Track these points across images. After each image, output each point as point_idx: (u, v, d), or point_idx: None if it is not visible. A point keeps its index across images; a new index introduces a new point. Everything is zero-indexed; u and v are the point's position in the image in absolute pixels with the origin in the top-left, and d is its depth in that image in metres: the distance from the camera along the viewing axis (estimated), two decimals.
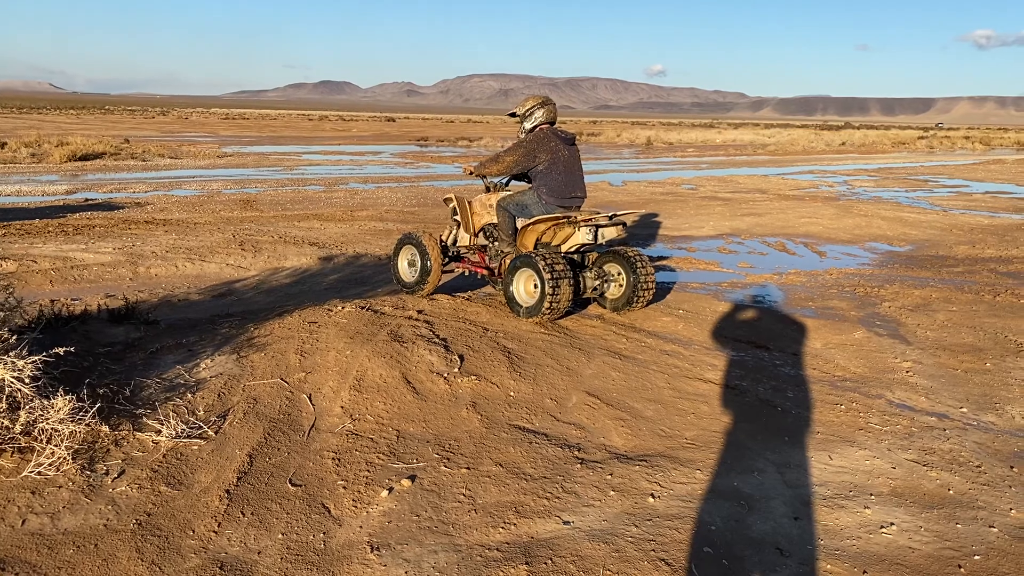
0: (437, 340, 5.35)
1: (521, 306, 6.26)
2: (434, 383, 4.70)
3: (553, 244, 6.58)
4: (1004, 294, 7.94)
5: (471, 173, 6.96)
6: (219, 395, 4.47)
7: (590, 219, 6.40)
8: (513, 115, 6.81)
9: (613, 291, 6.75)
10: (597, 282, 6.68)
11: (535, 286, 6.25)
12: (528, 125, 6.76)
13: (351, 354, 4.98)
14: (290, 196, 16.17)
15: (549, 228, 6.55)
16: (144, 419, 4.07)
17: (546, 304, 5.99)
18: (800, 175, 26.52)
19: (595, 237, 6.43)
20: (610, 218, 6.50)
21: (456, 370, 4.88)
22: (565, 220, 6.45)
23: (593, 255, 6.93)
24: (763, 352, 5.93)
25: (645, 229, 12.60)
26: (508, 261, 6.68)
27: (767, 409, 4.76)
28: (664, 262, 9.75)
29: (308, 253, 9.48)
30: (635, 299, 6.61)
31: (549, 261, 6.08)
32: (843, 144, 55.93)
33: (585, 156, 32.32)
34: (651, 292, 6.69)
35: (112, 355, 4.97)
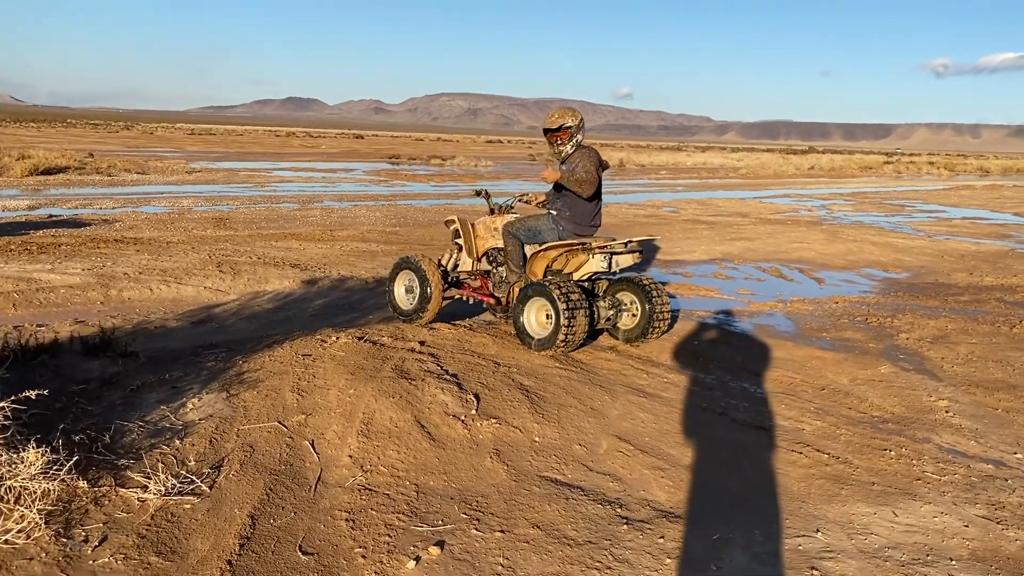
0: (447, 376, 4.90)
1: (533, 338, 5.82)
2: (451, 427, 4.24)
3: (565, 272, 6.17)
4: (1020, 326, 7.67)
5: (549, 180, 6.21)
6: (211, 441, 3.97)
7: (605, 246, 6.00)
8: (555, 129, 6.06)
9: (627, 321, 6.35)
10: (611, 312, 6.27)
11: (547, 317, 5.83)
12: (581, 137, 6.14)
13: (355, 393, 4.51)
14: (264, 214, 15.61)
15: (561, 255, 6.14)
16: (128, 472, 3.56)
17: (561, 336, 5.57)
18: (777, 199, 26.46)
19: (609, 265, 6.04)
20: (625, 245, 6.11)
21: (473, 412, 4.42)
22: (579, 247, 6.04)
23: (603, 283, 6.53)
24: (791, 389, 5.55)
25: None
26: (517, 289, 6.25)
27: (814, 455, 4.36)
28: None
29: (290, 276, 8.96)
30: (650, 330, 6.22)
31: (564, 290, 5.67)
32: (812, 168, 56.40)
33: None
34: (667, 322, 6.31)
35: (88, 394, 4.44)
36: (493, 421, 4.33)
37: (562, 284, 5.75)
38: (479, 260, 6.81)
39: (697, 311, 8.12)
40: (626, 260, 6.10)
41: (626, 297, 6.39)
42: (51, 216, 13.81)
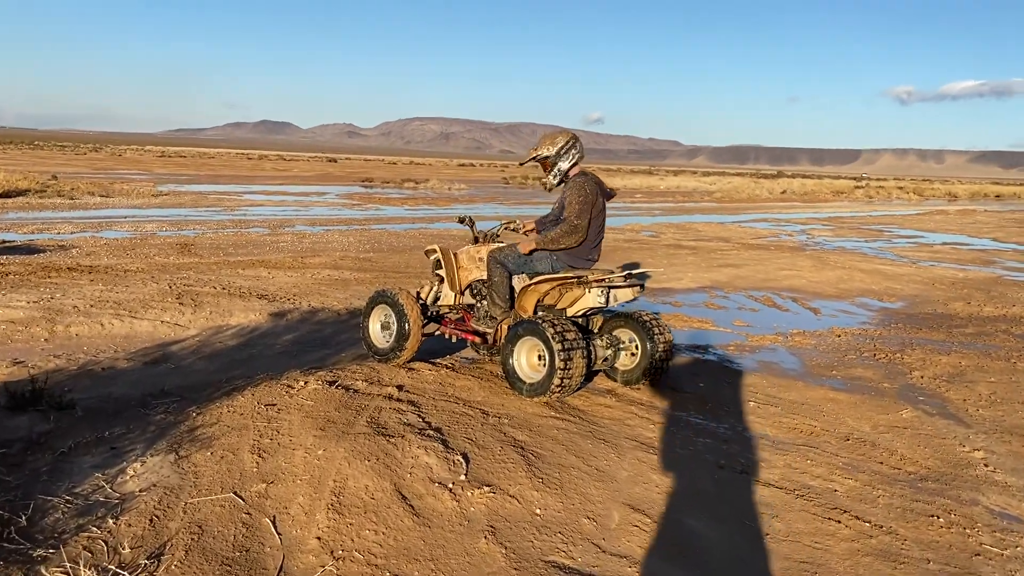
0: (430, 431, 4.29)
1: (524, 382, 5.23)
2: (437, 499, 3.62)
3: (558, 307, 5.61)
4: None
5: (531, 252, 5.77)
6: (152, 520, 3.33)
7: (603, 279, 5.45)
8: (535, 159, 5.73)
9: (625, 361, 5.79)
10: (608, 352, 5.71)
11: (540, 358, 5.25)
12: (565, 165, 5.67)
13: (324, 454, 3.89)
14: (232, 239, 14.92)
15: (554, 288, 5.57)
16: (46, 566, 2.91)
17: (556, 381, 4.99)
18: (756, 223, 26.16)
19: (607, 299, 5.48)
20: (625, 278, 5.56)
21: (463, 477, 3.81)
22: (574, 280, 5.48)
23: (598, 319, 5.97)
24: (812, 439, 5.01)
25: None
26: (505, 327, 5.67)
27: (854, 523, 3.80)
28: None
29: (256, 308, 8.31)
30: (652, 370, 5.66)
31: (559, 329, 5.10)
32: (784, 192, 56.52)
33: (534, 200, 31.67)
34: (669, 362, 5.76)
35: (8, 459, 3.78)
36: (486, 489, 3.72)
37: (556, 321, 5.18)
38: (462, 293, 6.22)
39: (695, 345, 7.58)
40: (625, 295, 5.55)
41: (624, 335, 5.83)
42: (4, 242, 13.03)
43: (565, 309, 5.60)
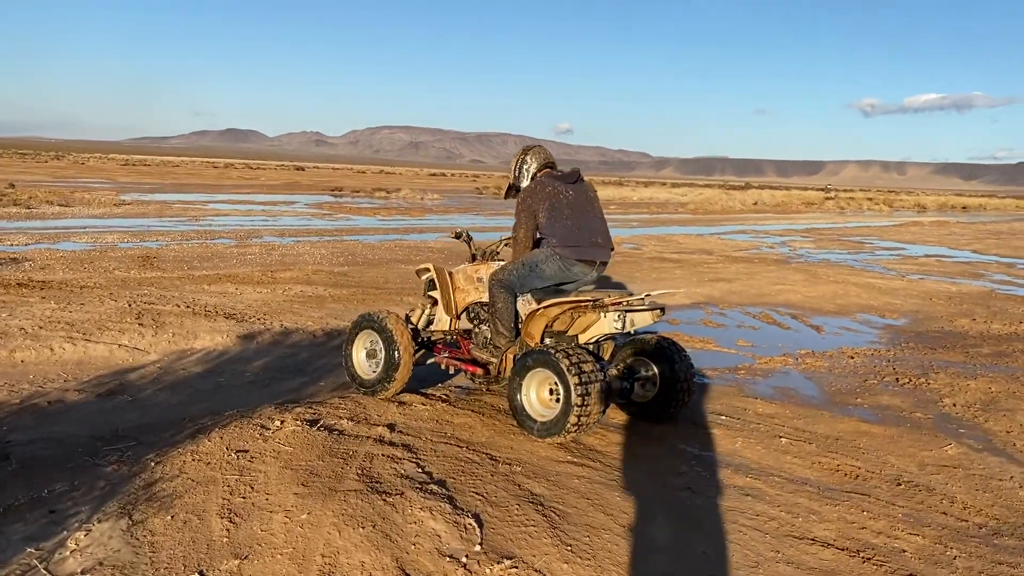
0: (433, 485, 3.66)
1: (535, 421, 4.61)
2: None
3: (568, 333, 5.00)
4: None
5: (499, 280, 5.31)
6: None
7: (621, 302, 4.86)
8: (512, 188, 5.57)
9: (643, 393, 5.20)
10: (625, 383, 5.12)
11: (552, 393, 4.64)
12: (525, 183, 5.36)
13: (309, 520, 3.24)
14: (197, 251, 14.14)
15: (565, 312, 4.97)
16: None
17: (572, 419, 4.38)
18: (734, 235, 25.80)
19: (623, 324, 4.89)
20: (644, 299, 4.98)
21: (477, 547, 3.18)
22: (588, 304, 4.87)
23: (609, 344, 5.37)
24: (861, 484, 4.44)
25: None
26: (511, 357, 5.05)
27: None
28: None
29: (224, 329, 7.60)
30: (673, 402, 5.08)
31: (574, 359, 4.49)
32: (756, 204, 56.52)
33: (510, 211, 30.97)
34: (691, 393, 5.18)
35: None
36: (507, 564, 3.09)
37: (571, 351, 4.58)
38: (458, 317, 5.59)
39: (703, 369, 7.01)
40: (644, 319, 4.95)
41: (640, 363, 5.25)
42: None
43: (577, 336, 5.01)
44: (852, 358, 7.80)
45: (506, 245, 5.63)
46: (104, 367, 6.33)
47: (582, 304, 4.88)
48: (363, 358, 5.55)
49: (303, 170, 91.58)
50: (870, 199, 73.49)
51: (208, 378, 6.15)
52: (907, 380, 6.88)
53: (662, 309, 5.02)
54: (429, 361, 5.61)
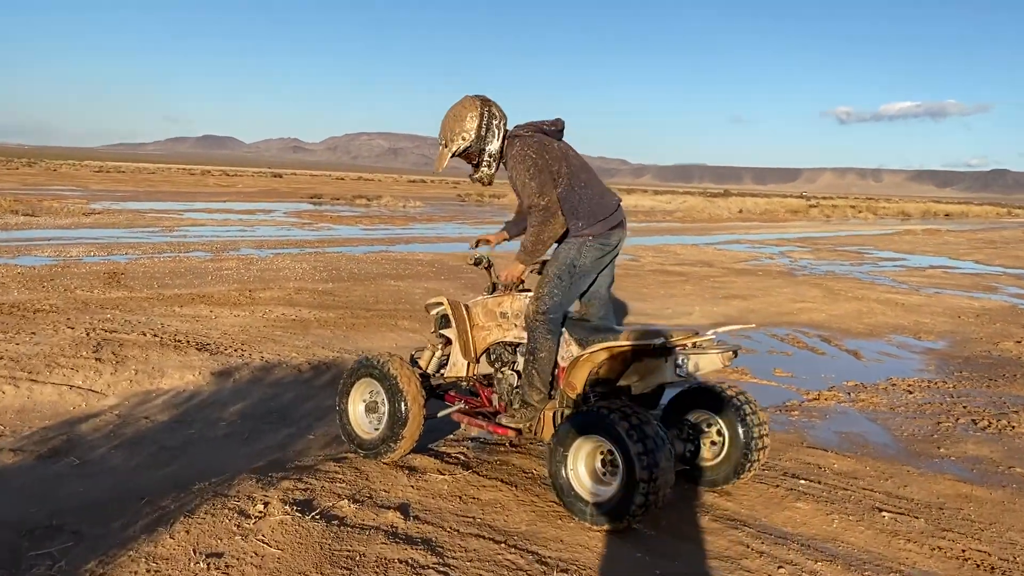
0: None
1: (587, 503, 3.66)
2: None
3: (620, 382, 4.08)
4: None
5: (521, 278, 4.39)
6: None
7: (687, 343, 3.94)
8: (456, 155, 4.30)
9: (709, 454, 4.28)
10: (689, 444, 4.20)
11: (605, 464, 3.70)
12: (494, 146, 4.20)
13: None
14: (169, 267, 13.07)
15: (616, 357, 4.04)
16: None
17: (639, 500, 3.44)
18: (730, 245, 25.02)
19: (687, 369, 3.97)
20: (715, 339, 4.07)
21: None
22: (648, 347, 3.94)
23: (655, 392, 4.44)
24: None
25: (617, 315, 10.21)
26: (550, 416, 4.11)
27: None
28: None
29: (196, 364, 6.59)
30: (746, 466, 4.16)
31: (635, 421, 3.55)
32: (741, 211, 55.90)
33: (496, 219, 30.07)
34: (766, 452, 4.27)
35: None
36: None
37: (628, 410, 3.64)
38: (477, 360, 4.64)
39: None
40: (712, 363, 4.02)
41: (703, 418, 4.32)
42: None
43: (629, 385, 4.08)
44: (910, 392, 6.93)
45: (537, 272, 4.66)
46: (51, 416, 5.32)
47: (642, 347, 3.94)
48: (361, 412, 4.58)
49: (281, 177, 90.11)
50: (853, 207, 73.17)
51: (175, 430, 5.15)
52: (986, 422, 6.01)
53: (736, 350, 4.10)
54: (441, 414, 4.64)
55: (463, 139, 4.14)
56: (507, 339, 4.47)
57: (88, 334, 7.41)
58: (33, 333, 7.35)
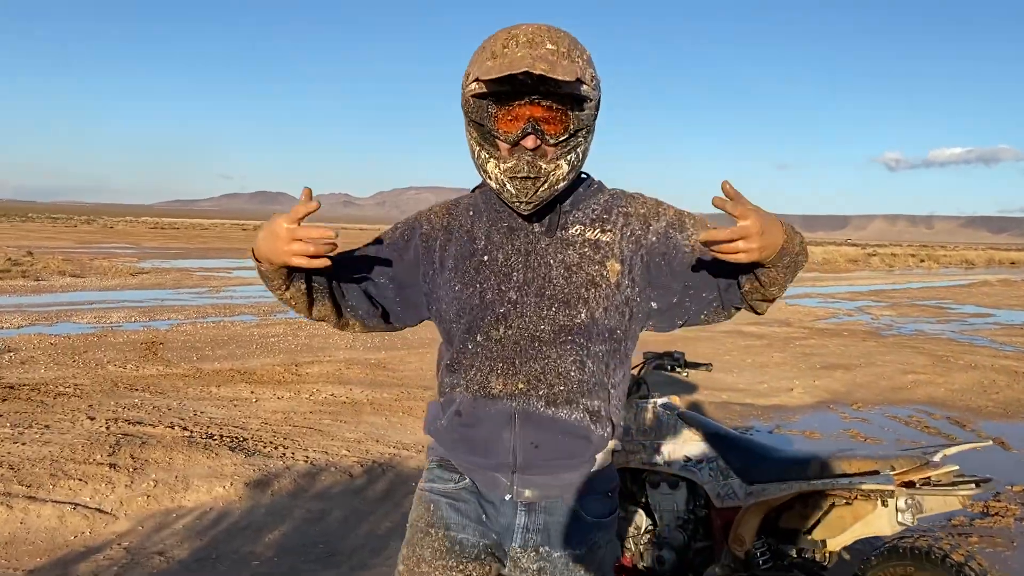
0: None
1: None
2: None
3: (809, 535, 2.92)
4: None
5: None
6: None
7: (916, 479, 2.77)
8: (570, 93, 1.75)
9: None
10: None
11: None
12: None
13: None
14: (212, 334, 12.19)
15: (808, 499, 2.88)
16: None
17: None
18: (800, 299, 23.57)
19: (913, 515, 2.80)
20: (954, 470, 2.90)
21: None
22: (856, 490, 2.77)
23: (834, 544, 3.23)
24: None
25: (704, 391, 8.96)
26: None
27: None
28: None
29: (227, 471, 5.52)
30: None
31: None
32: None
33: None
34: None
35: None
36: None
37: None
38: None
39: None
40: (948, 505, 2.86)
41: None
42: None
43: (825, 539, 2.91)
44: None
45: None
46: (45, 549, 4.27)
47: (853, 490, 2.76)
48: None
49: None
50: (913, 255, 70.72)
51: (195, 572, 4.06)
52: None
53: (978, 483, 2.89)
54: None
55: (577, 68, 1.74)
56: (631, 463, 3.33)
57: (108, 427, 6.42)
58: (46, 427, 6.38)
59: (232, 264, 30.60)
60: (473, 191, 2.09)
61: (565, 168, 1.81)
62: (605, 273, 1.88)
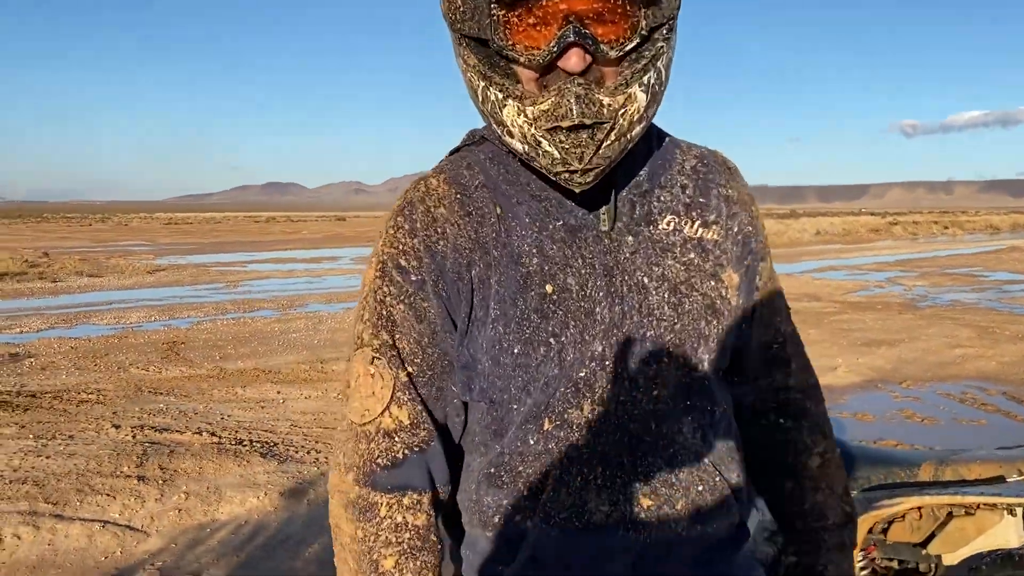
0: None
1: None
2: None
3: (923, 548, 2.60)
4: None
5: None
6: None
7: None
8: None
9: None
10: None
11: None
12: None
13: None
14: (233, 331, 11.97)
15: (915, 511, 2.56)
16: None
17: None
18: (824, 272, 23.11)
19: None
20: None
21: None
22: (978, 501, 2.46)
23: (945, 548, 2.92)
24: None
25: None
26: None
27: None
28: None
29: (260, 480, 5.26)
30: None
31: None
32: (819, 233, 53.54)
33: None
34: None
35: None
36: None
37: None
38: None
39: None
40: None
41: None
42: None
43: (941, 555, 2.59)
44: None
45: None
46: (75, 573, 4.02)
47: (977, 501, 2.45)
48: None
49: (344, 220, 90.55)
50: (937, 222, 69.85)
51: None
52: None
53: None
54: None
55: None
56: None
57: (134, 436, 6.18)
58: (70, 437, 6.15)
59: (247, 257, 30.46)
60: (452, 154, 1.30)
61: (642, 99, 1.05)
62: (724, 292, 1.22)
